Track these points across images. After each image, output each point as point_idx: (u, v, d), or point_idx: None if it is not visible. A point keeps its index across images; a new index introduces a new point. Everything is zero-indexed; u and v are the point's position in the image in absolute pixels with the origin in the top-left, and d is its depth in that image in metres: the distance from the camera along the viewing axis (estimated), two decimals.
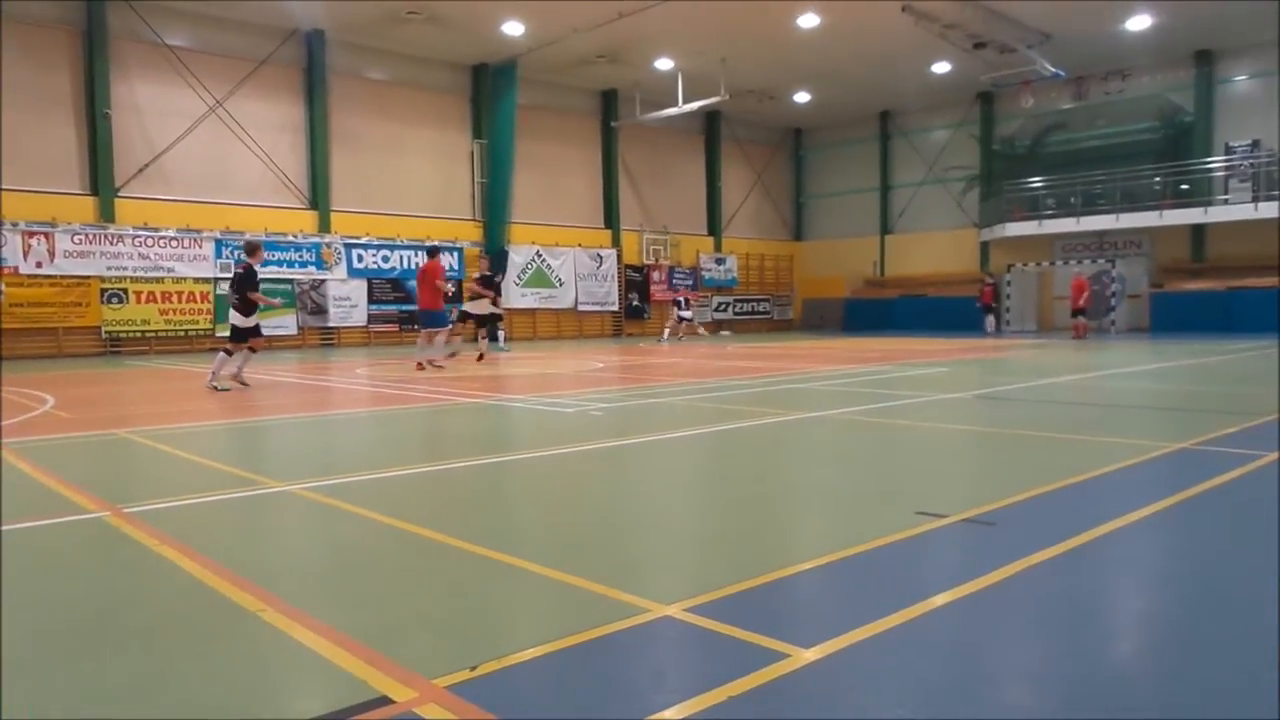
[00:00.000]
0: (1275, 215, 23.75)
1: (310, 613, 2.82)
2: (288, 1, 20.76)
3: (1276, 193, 23.90)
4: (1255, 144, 25.14)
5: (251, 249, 11.15)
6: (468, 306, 16.76)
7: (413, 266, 23.93)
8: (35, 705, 2.22)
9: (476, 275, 17.38)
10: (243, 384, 10.84)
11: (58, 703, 2.24)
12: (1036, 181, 28.51)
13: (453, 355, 15.19)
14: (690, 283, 31.75)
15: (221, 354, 10.83)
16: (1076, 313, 23.40)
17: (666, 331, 25.53)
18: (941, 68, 27.36)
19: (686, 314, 25.39)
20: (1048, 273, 29.70)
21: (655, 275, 31.29)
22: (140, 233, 20.53)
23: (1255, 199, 24.22)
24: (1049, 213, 27.97)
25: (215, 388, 10.48)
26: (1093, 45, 25.25)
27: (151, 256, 20.72)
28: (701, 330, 27.65)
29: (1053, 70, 24.65)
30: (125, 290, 20.40)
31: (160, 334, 20.95)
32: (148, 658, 2.53)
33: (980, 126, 31.26)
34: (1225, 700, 2.16)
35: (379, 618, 2.82)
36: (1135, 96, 27.75)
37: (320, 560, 3.61)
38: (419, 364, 13.66)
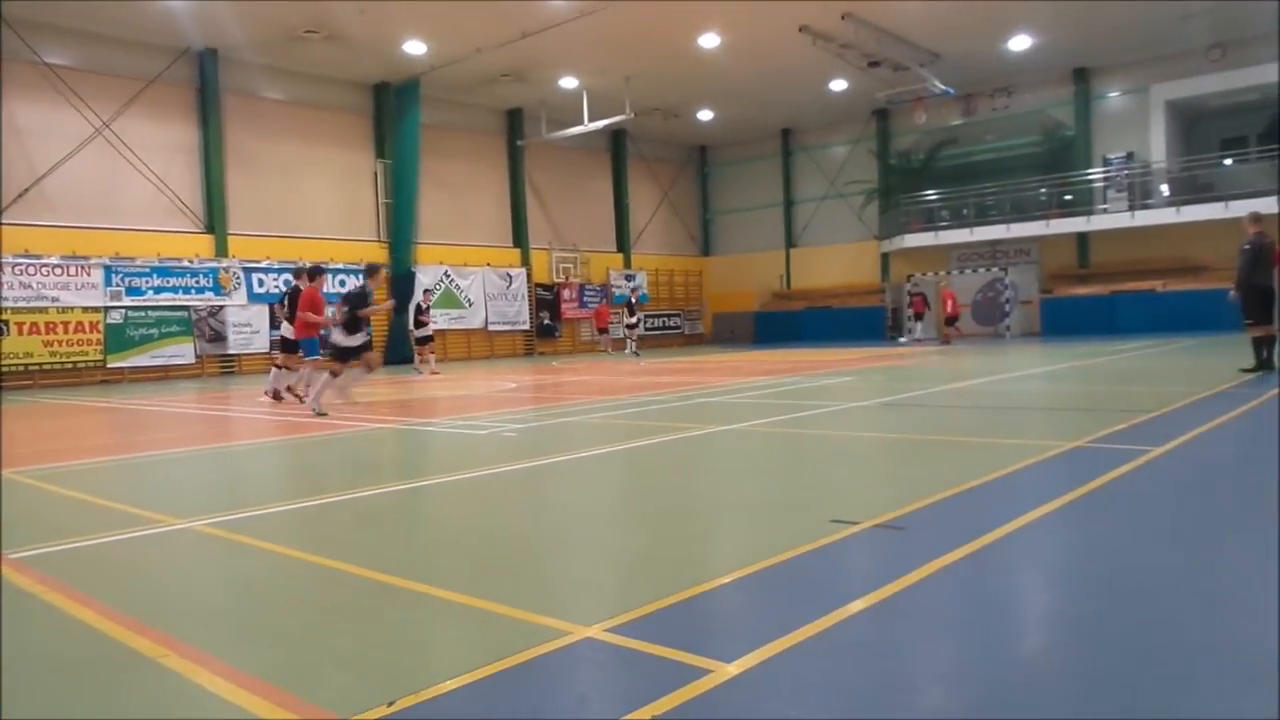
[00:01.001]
0: (1151, 223, 25.26)
1: (216, 655, 2.70)
2: (179, 3, 19.92)
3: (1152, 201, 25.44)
4: (1130, 156, 26.72)
5: (372, 271, 11.25)
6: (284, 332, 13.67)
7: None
8: None
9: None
10: (352, 402, 10.88)
11: None
12: (931, 194, 29.63)
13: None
14: (601, 299, 31.78)
15: (327, 375, 10.59)
16: (950, 320, 24.49)
17: (629, 345, 25.46)
18: (839, 85, 28.20)
19: (630, 321, 25.31)
20: (945, 281, 30.77)
21: (566, 293, 31.25)
22: (21, 260, 19.45)
23: (1131, 208, 25.73)
24: (944, 224, 29.10)
25: (316, 411, 10.18)
26: (979, 64, 26.47)
27: (34, 285, 19.65)
28: (609, 349, 27.56)
29: (943, 88, 25.69)
30: (5, 322, 19.25)
31: (46, 367, 19.85)
32: (41, 711, 2.38)
33: (877, 142, 32.31)
34: (1134, 688, 2.26)
35: (290, 657, 2.72)
36: (1020, 112, 29.15)
37: (225, 600, 3.46)
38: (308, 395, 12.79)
